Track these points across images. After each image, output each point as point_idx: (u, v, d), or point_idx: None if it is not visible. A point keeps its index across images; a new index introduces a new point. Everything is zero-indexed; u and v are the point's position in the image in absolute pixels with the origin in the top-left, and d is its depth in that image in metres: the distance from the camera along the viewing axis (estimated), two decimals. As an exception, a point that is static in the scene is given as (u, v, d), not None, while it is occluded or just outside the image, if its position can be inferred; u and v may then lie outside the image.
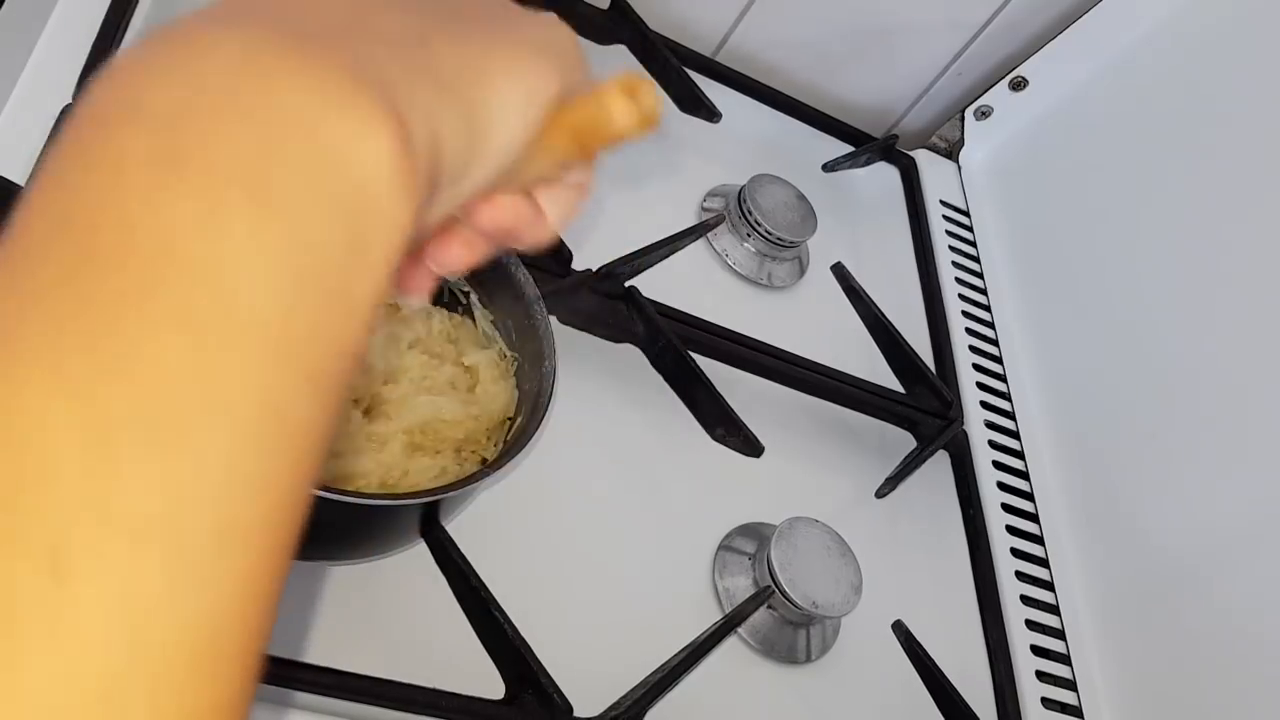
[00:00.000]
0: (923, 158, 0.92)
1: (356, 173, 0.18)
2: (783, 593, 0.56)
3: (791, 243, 0.74)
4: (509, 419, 0.50)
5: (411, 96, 0.20)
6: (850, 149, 0.88)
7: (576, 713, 0.47)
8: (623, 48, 0.80)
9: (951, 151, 0.94)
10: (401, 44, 0.21)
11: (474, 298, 0.53)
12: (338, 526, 0.44)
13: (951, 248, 0.87)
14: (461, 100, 0.22)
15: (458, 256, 0.28)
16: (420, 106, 0.20)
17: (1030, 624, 0.68)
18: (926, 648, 0.62)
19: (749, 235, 0.74)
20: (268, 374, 0.17)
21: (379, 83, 0.19)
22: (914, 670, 0.62)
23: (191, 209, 0.17)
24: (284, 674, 0.43)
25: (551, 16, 0.27)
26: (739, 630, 0.57)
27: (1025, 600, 0.69)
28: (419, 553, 0.49)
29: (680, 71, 0.79)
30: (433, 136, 0.21)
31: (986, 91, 0.90)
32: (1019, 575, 0.70)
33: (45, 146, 0.50)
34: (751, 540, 0.60)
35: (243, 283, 0.17)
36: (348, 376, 0.19)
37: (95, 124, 0.18)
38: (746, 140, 0.82)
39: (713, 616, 0.56)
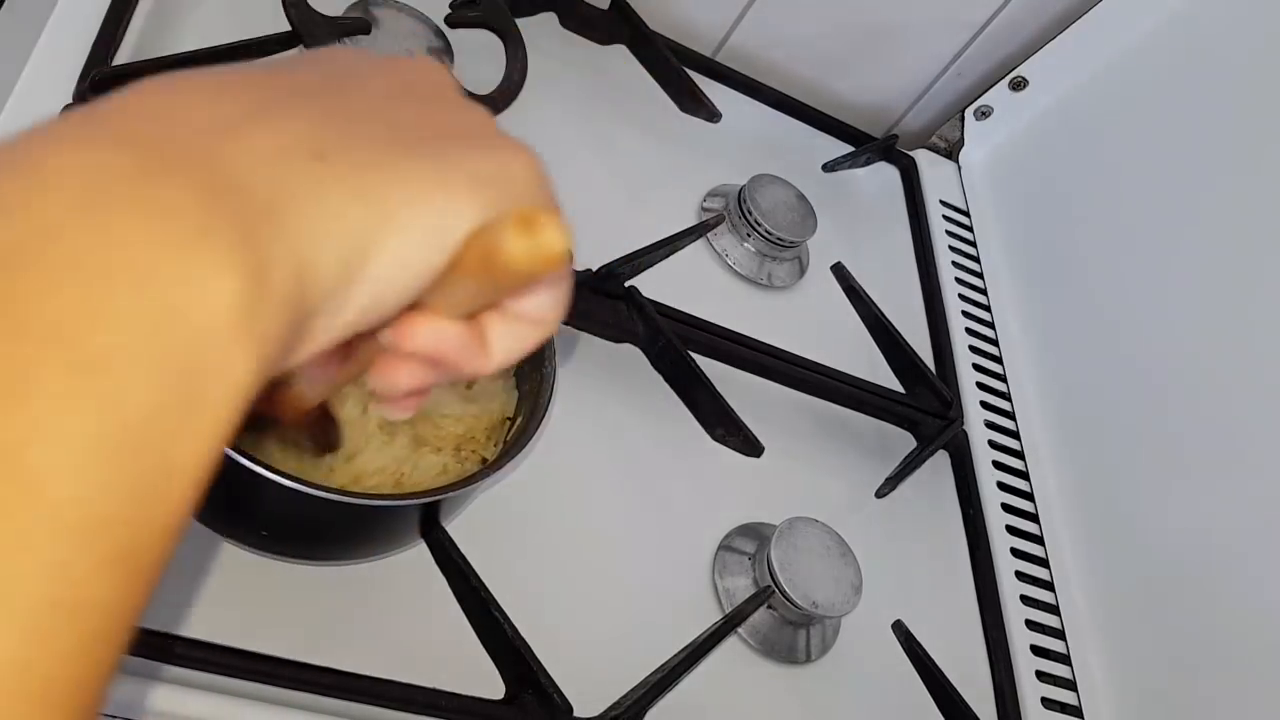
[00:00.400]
0: (923, 158, 0.92)
1: (192, 326, 0.17)
2: (783, 593, 0.56)
3: (791, 243, 0.74)
4: (509, 419, 0.50)
5: (280, 223, 0.19)
6: (850, 149, 0.88)
7: (576, 713, 0.47)
8: (623, 48, 0.80)
9: (951, 151, 0.94)
10: (289, 155, 0.20)
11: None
12: (338, 526, 0.44)
13: (951, 248, 0.87)
14: (344, 229, 0.20)
15: (398, 380, 0.26)
16: (290, 235, 0.19)
17: (1030, 624, 0.68)
18: (926, 648, 0.62)
19: (749, 235, 0.74)
20: (66, 562, 0.16)
21: (237, 211, 0.18)
22: (914, 670, 0.62)
23: (3, 378, 0.15)
24: (284, 674, 0.43)
25: (517, 143, 0.25)
26: (739, 630, 0.57)
27: (1025, 600, 0.69)
28: (419, 553, 0.49)
29: (680, 71, 0.80)
30: (300, 266, 0.19)
31: (986, 91, 0.90)
32: (1019, 575, 0.70)
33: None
34: (751, 540, 0.60)
35: (47, 464, 0.15)
36: (168, 546, 0.17)
37: None
38: (746, 140, 0.82)
39: (713, 616, 0.56)
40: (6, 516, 0.15)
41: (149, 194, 0.17)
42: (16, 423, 0.15)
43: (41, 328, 0.16)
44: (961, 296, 0.84)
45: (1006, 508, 0.73)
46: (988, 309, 0.85)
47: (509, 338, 0.26)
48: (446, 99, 0.26)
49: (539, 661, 0.47)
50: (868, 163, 0.89)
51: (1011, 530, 0.72)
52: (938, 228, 0.88)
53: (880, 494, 0.69)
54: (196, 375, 0.17)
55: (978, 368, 0.80)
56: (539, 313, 0.26)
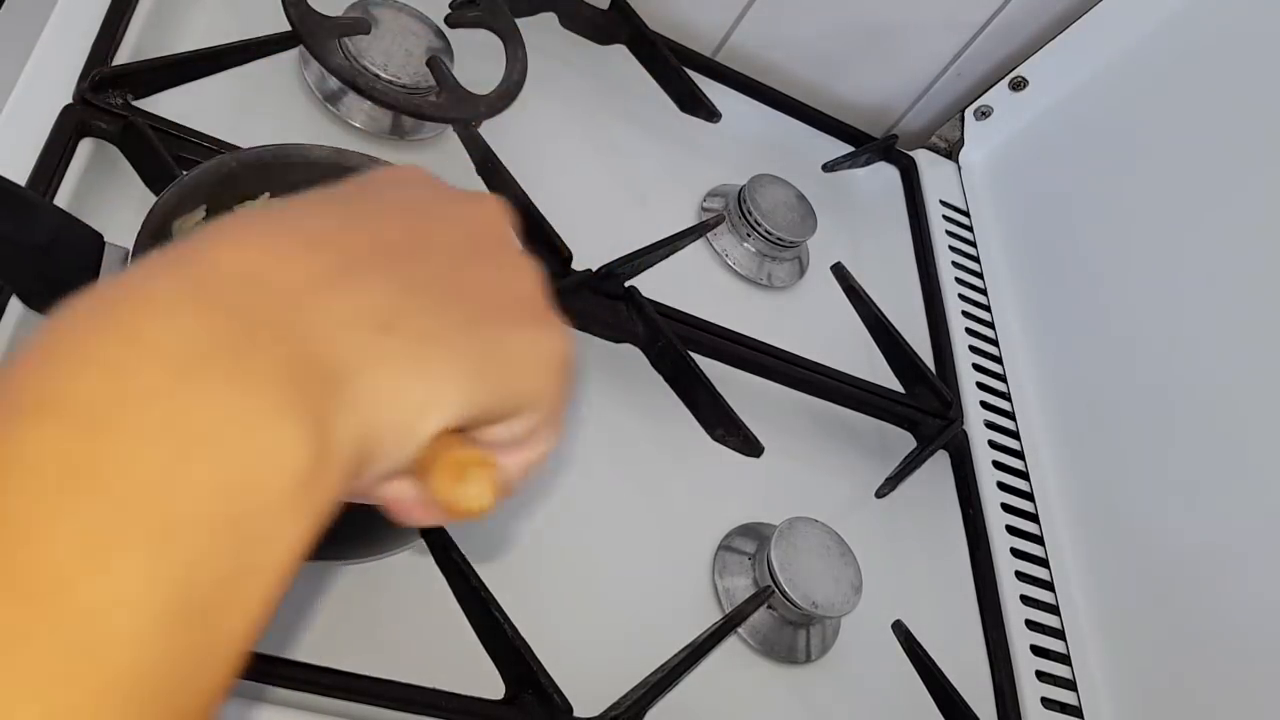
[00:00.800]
0: (923, 158, 0.92)
1: (259, 498, 0.18)
2: (783, 593, 0.56)
3: (791, 243, 0.74)
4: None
5: (347, 394, 0.20)
6: (850, 149, 0.88)
7: (576, 713, 0.47)
8: (623, 48, 0.80)
9: (951, 151, 0.94)
10: (359, 327, 0.21)
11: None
12: (338, 525, 0.44)
13: (951, 248, 0.87)
14: (398, 400, 0.22)
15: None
16: (353, 405, 0.20)
17: (1030, 624, 0.68)
18: (926, 648, 0.62)
19: (749, 235, 0.74)
20: None
21: (311, 386, 0.19)
22: (914, 670, 0.62)
23: (89, 542, 0.16)
24: (284, 674, 0.43)
25: (553, 321, 0.27)
26: (739, 630, 0.57)
27: (1025, 600, 0.69)
28: (419, 553, 0.49)
29: (680, 71, 0.80)
30: (360, 435, 0.21)
31: (986, 91, 0.90)
32: (1019, 575, 0.70)
33: (45, 146, 0.50)
34: (751, 540, 0.60)
35: (120, 634, 0.16)
36: (214, 706, 0.18)
37: (18, 409, 0.17)
38: (746, 140, 0.82)
39: (713, 616, 0.56)
40: (75, 682, 0.15)
41: (237, 367, 0.18)
42: (98, 588, 0.16)
43: (126, 489, 0.16)
44: (961, 296, 0.84)
45: (1006, 508, 0.73)
46: (988, 309, 0.85)
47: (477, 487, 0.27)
48: (504, 254, 0.27)
49: (539, 661, 0.47)
50: (868, 163, 0.89)
51: (1011, 530, 0.72)
52: (938, 228, 0.88)
53: (880, 494, 0.69)
54: (255, 543, 0.18)
55: (978, 368, 0.80)
56: (508, 476, 0.27)
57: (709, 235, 0.74)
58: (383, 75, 0.60)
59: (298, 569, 0.19)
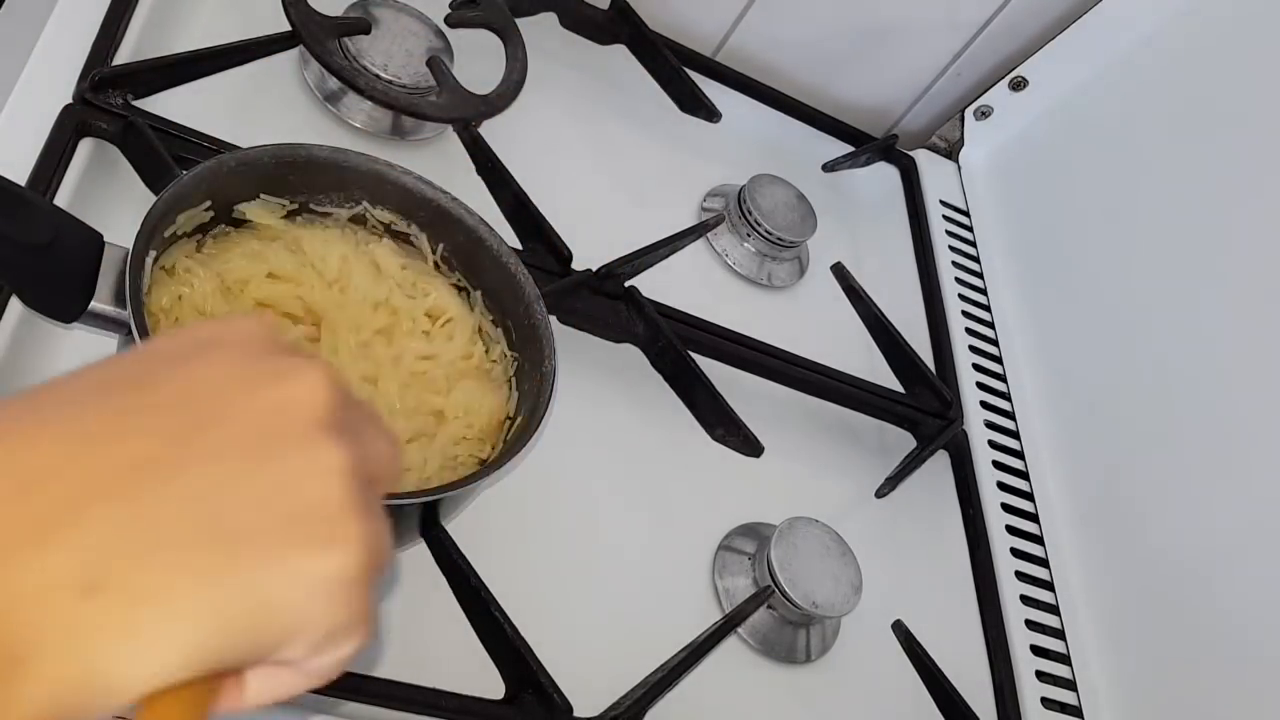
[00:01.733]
0: (923, 158, 0.92)
1: None
2: (783, 593, 0.56)
3: (791, 243, 0.74)
4: (509, 419, 0.50)
5: (29, 671, 0.19)
6: (850, 149, 0.88)
7: (576, 713, 0.47)
8: (623, 48, 0.80)
9: (951, 151, 0.94)
10: (55, 594, 0.19)
11: (475, 296, 0.53)
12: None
13: (951, 248, 0.87)
14: (99, 670, 0.20)
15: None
16: (38, 681, 0.19)
17: (1030, 624, 0.68)
18: (926, 648, 0.62)
19: (749, 235, 0.74)
20: None
21: None
22: (914, 670, 0.62)
23: None
24: (284, 674, 0.43)
25: (348, 538, 0.23)
26: (739, 630, 0.57)
27: (1025, 600, 0.69)
28: (419, 553, 0.49)
29: (680, 71, 0.80)
30: (51, 702, 0.19)
31: (986, 91, 0.90)
32: (1019, 575, 0.70)
33: (45, 146, 0.50)
34: (751, 540, 0.60)
35: None
36: None
37: None
38: (746, 140, 0.82)
39: (713, 616, 0.56)
40: None
41: None
42: None
43: None
44: (961, 296, 0.84)
45: (1006, 508, 0.73)
46: (988, 309, 0.85)
47: (268, 681, 0.25)
48: (303, 449, 0.24)
49: (539, 661, 0.47)
50: (868, 163, 0.89)
51: (1011, 530, 0.72)
52: (938, 228, 0.88)
53: (880, 494, 0.69)
54: None
55: (978, 368, 0.80)
56: (313, 667, 0.25)
57: (709, 235, 0.74)
58: (383, 75, 0.60)
59: None
